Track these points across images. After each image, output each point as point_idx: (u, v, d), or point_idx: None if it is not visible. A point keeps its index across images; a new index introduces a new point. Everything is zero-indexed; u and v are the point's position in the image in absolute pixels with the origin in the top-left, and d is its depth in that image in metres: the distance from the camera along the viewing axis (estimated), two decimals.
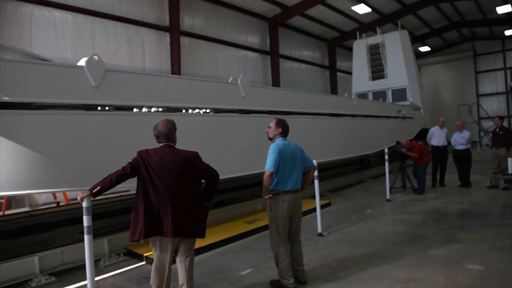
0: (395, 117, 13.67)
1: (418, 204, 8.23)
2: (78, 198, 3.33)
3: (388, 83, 16.93)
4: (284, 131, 4.23)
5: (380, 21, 22.09)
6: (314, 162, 6.19)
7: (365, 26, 22.38)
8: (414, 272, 4.40)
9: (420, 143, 10.34)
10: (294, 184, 4.12)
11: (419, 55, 31.36)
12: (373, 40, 17.76)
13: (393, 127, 13.54)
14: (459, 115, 23.24)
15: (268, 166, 3.98)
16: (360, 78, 17.93)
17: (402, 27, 24.02)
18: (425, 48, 30.15)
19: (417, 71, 17.95)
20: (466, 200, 8.37)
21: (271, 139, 4.26)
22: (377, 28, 18.26)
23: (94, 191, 3.23)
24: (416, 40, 27.23)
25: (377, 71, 17.31)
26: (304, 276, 4.23)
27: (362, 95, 17.36)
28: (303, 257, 4.35)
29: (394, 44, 17.10)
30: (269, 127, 4.28)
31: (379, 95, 16.88)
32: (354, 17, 21.20)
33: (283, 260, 4.02)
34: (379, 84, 17.15)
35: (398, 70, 16.67)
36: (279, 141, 4.16)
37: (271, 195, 4.05)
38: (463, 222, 6.53)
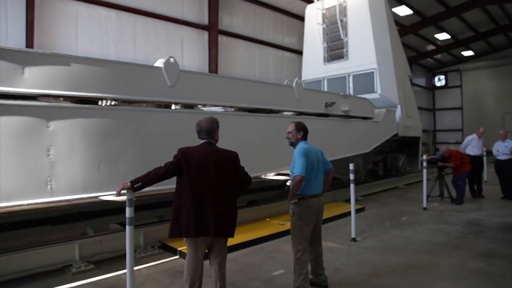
0: (320, 115, 8.35)
1: (457, 215, 7.92)
2: (118, 190, 3.36)
3: (348, 66, 11.82)
4: (305, 134, 4.14)
5: (421, 24, 21.48)
6: (351, 166, 6.16)
7: (405, 29, 21.80)
8: (452, 285, 4.24)
9: (461, 151, 9.93)
10: (317, 188, 4.03)
11: (461, 60, 30.23)
12: (331, 2, 12.34)
13: (314, 132, 8.25)
14: (503, 123, 22.08)
15: (298, 170, 3.82)
16: (312, 60, 12.89)
17: (444, 30, 23.43)
18: (468, 53, 28.96)
19: (401, 53, 12.75)
20: (509, 213, 7.97)
21: (292, 144, 4.15)
22: None
23: (135, 185, 3.28)
24: (459, 44, 26.25)
25: (336, 49, 12.18)
26: (326, 280, 4.11)
27: (315, 84, 12.59)
28: (338, 261, 4.29)
29: (360, 8, 11.61)
30: (289, 131, 4.14)
31: (337, 83, 11.99)
32: (394, 19, 20.57)
33: (302, 268, 3.86)
34: (336, 68, 12.12)
35: (364, 46, 11.40)
36: (302, 144, 4.04)
37: (296, 200, 3.92)
38: (506, 237, 6.23)
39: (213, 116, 3.72)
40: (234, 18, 16.18)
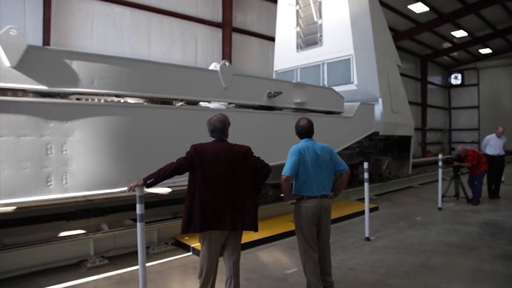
0: (262, 108, 6.67)
1: (473, 215, 7.78)
2: (132, 185, 3.38)
3: (323, 53, 10.23)
4: (299, 131, 3.93)
5: (437, 21, 21.12)
6: (365, 165, 6.07)
7: (422, 26, 21.49)
8: (469, 287, 4.16)
9: (477, 150, 9.75)
10: (320, 189, 3.74)
11: (479, 58, 29.66)
12: None
13: (250, 129, 6.18)
14: None
15: (284, 169, 3.68)
16: (285, 48, 11.32)
17: (461, 27, 22.98)
18: (486, 50, 28.38)
19: (387, 39, 11.06)
20: None
21: None
22: None
23: (148, 182, 3.30)
24: (477, 41, 25.76)
25: (310, 34, 10.57)
26: (332, 286, 3.89)
27: (287, 74, 11.04)
28: (351, 261, 4.23)
29: None
30: None
31: (311, 73, 10.42)
32: (410, 16, 20.41)
33: (312, 270, 3.69)
34: (310, 56, 10.52)
35: (340, 30, 9.81)
36: (301, 142, 3.88)
37: (294, 201, 3.75)
38: None
39: (95, 108, 3.54)
40: (248, 16, 16.17)
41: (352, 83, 9.57)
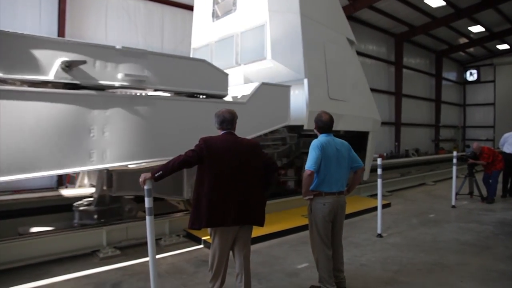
0: (57, 86, 4.29)
1: (487, 214, 7.65)
2: (140, 180, 3.36)
3: (237, 21, 8.01)
4: (320, 126, 3.84)
5: (454, 16, 20.69)
6: (379, 161, 6.00)
7: (438, 21, 21.08)
8: (483, 286, 4.09)
9: (493, 148, 9.58)
10: (338, 185, 3.73)
11: (495, 54, 29.06)
12: None
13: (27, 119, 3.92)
14: None
15: (308, 164, 3.61)
16: (201, 18, 9.15)
17: (478, 22, 22.48)
18: (503, 46, 27.74)
19: (329, 3, 8.44)
20: None
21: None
22: None
23: (156, 175, 3.25)
24: (494, 37, 25.20)
25: None
26: (344, 282, 3.88)
27: (203, 52, 8.83)
28: (363, 257, 4.19)
29: None
30: None
31: (226, 47, 8.19)
32: (426, 10, 20.00)
33: (324, 267, 3.69)
34: (226, 26, 8.32)
35: None
36: (321, 137, 3.80)
37: (311, 196, 3.72)
38: None
39: None
40: None
41: (266, 58, 7.29)
